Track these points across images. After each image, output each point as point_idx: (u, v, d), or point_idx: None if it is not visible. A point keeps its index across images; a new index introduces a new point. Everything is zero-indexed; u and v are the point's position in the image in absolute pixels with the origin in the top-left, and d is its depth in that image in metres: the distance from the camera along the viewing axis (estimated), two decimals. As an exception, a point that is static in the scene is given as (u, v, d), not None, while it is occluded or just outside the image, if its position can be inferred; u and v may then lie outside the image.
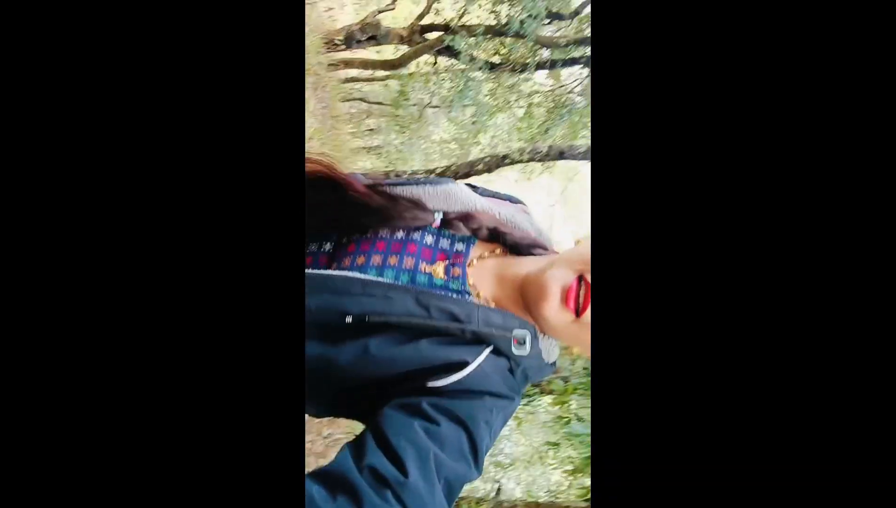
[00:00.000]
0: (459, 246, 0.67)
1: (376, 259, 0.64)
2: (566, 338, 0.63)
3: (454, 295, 0.62)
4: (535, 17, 4.32)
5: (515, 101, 5.21)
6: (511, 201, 0.76)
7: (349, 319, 0.56)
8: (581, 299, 0.57)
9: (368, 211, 0.65)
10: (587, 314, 0.57)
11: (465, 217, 0.67)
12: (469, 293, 0.63)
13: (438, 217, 0.67)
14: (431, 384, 0.56)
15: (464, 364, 0.57)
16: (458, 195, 0.68)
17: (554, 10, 4.52)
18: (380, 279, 0.60)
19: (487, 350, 0.59)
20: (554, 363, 0.68)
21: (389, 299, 0.57)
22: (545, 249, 0.70)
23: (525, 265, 0.65)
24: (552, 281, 0.59)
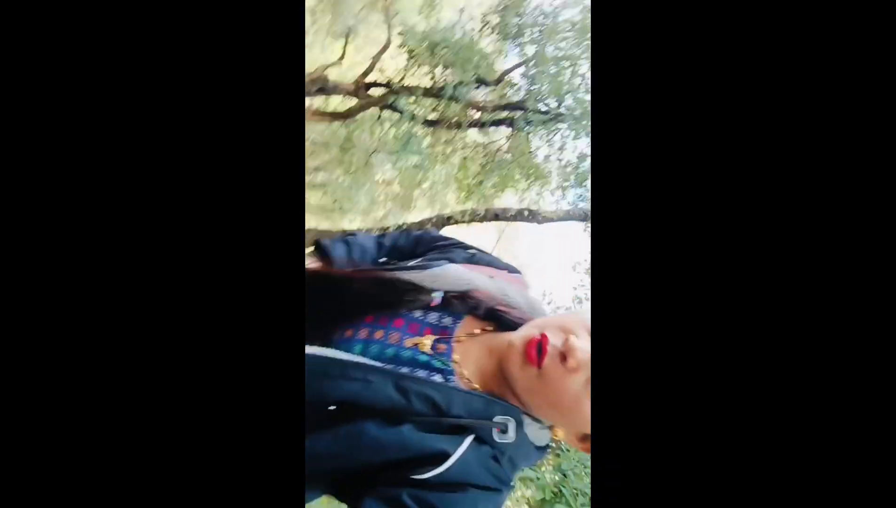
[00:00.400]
0: (446, 320, 0.67)
1: (363, 333, 0.64)
2: (532, 396, 0.60)
3: (436, 375, 0.61)
4: (465, 84, 4.96)
5: (452, 152, 5.82)
6: (509, 271, 0.75)
7: (332, 407, 0.55)
8: (541, 350, 0.57)
9: (368, 301, 0.65)
10: (547, 361, 0.56)
11: (465, 297, 0.67)
12: (452, 372, 0.62)
13: (438, 296, 0.66)
14: (414, 476, 0.54)
15: (445, 456, 0.55)
16: (456, 276, 0.66)
17: (483, 76, 5.18)
18: (360, 360, 0.59)
19: (469, 440, 0.57)
20: (546, 447, 0.65)
21: (369, 383, 0.56)
22: None
23: (506, 338, 0.64)
24: (516, 339, 0.60)
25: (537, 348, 0.57)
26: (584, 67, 4.80)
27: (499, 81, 5.30)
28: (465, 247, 0.78)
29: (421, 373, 0.61)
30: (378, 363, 0.59)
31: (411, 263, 0.69)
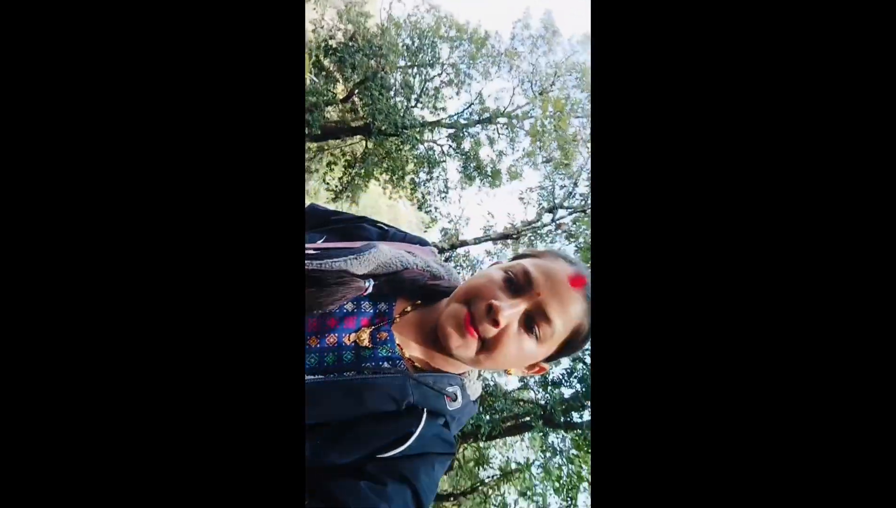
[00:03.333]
0: (382, 306, 0.66)
1: None
2: (487, 366, 0.63)
3: (385, 363, 0.61)
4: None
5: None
6: (421, 244, 0.75)
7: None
8: (476, 324, 0.59)
9: None
10: (483, 330, 0.59)
11: (397, 280, 0.65)
12: (399, 357, 0.63)
13: (370, 285, 0.63)
14: (379, 455, 0.57)
15: (406, 437, 0.58)
16: (390, 256, 0.65)
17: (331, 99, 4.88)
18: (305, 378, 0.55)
19: (424, 417, 0.60)
20: (477, 399, 0.70)
21: (317, 403, 0.54)
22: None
23: (435, 313, 0.65)
24: (447, 324, 0.61)
25: (469, 322, 0.60)
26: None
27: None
28: (372, 222, 0.75)
29: (370, 366, 0.61)
30: (319, 377, 0.58)
31: (337, 246, 0.64)
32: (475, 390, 0.69)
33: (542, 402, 4.92)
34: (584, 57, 6.30)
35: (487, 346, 0.60)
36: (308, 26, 5.33)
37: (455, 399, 0.63)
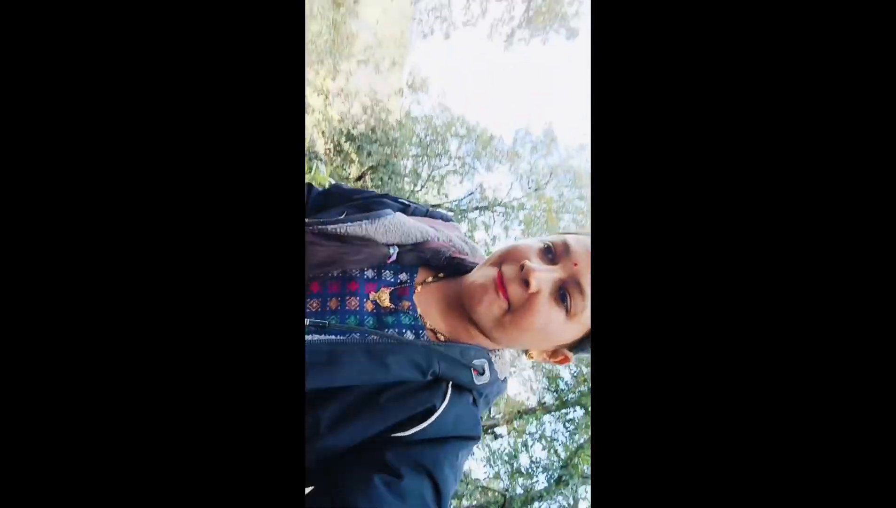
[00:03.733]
0: (404, 275, 0.65)
1: (312, 305, 0.59)
2: (510, 338, 0.60)
3: (407, 332, 0.59)
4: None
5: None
6: (444, 220, 0.73)
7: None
8: (505, 284, 0.57)
9: (321, 263, 0.59)
10: (512, 291, 0.57)
11: (422, 248, 0.64)
12: (423, 327, 0.61)
13: (394, 251, 0.63)
14: (396, 434, 0.53)
15: (430, 411, 0.54)
16: (409, 226, 0.64)
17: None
18: (318, 338, 0.53)
19: (450, 392, 0.57)
20: (506, 379, 0.65)
21: (338, 363, 0.51)
22: None
23: (460, 283, 0.63)
24: (475, 285, 0.59)
25: (500, 282, 0.57)
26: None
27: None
28: (394, 198, 0.72)
29: (393, 331, 0.60)
30: (342, 337, 0.55)
31: (356, 215, 0.62)
32: (504, 366, 0.64)
33: (507, 492, 4.98)
34: (579, 162, 7.03)
35: (514, 310, 0.57)
36: (335, 115, 6.22)
37: (482, 373, 0.59)
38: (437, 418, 0.55)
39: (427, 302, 0.64)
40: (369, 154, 6.02)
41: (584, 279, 0.58)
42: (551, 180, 7.05)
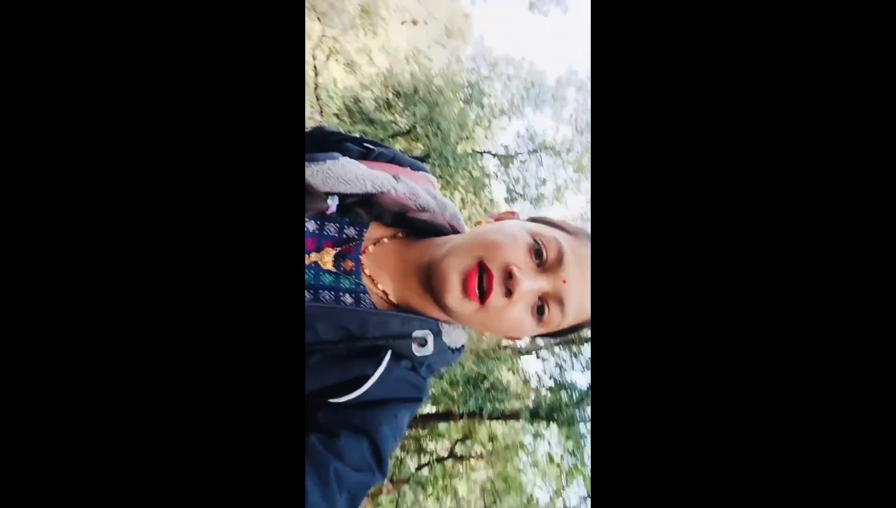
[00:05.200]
0: (350, 231, 0.59)
1: None
2: (474, 326, 0.58)
3: (346, 296, 0.56)
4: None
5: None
6: (412, 168, 0.67)
7: None
8: (485, 287, 0.53)
9: None
10: (492, 299, 0.53)
11: (367, 202, 0.58)
12: (364, 290, 0.57)
13: (333, 203, 0.57)
14: (332, 400, 0.52)
15: (363, 379, 0.53)
16: (356, 173, 0.58)
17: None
18: None
19: (387, 359, 0.54)
20: (461, 348, 0.62)
21: None
22: (454, 229, 0.63)
23: (426, 251, 0.58)
24: (451, 271, 0.53)
25: (479, 285, 0.53)
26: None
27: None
28: (360, 140, 0.67)
29: (327, 296, 0.56)
30: None
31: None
32: (456, 338, 0.61)
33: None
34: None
35: (487, 309, 0.54)
36: (380, 71, 6.39)
37: (424, 345, 0.57)
38: (372, 386, 0.54)
39: (379, 263, 0.59)
40: (415, 104, 6.21)
41: (568, 298, 0.55)
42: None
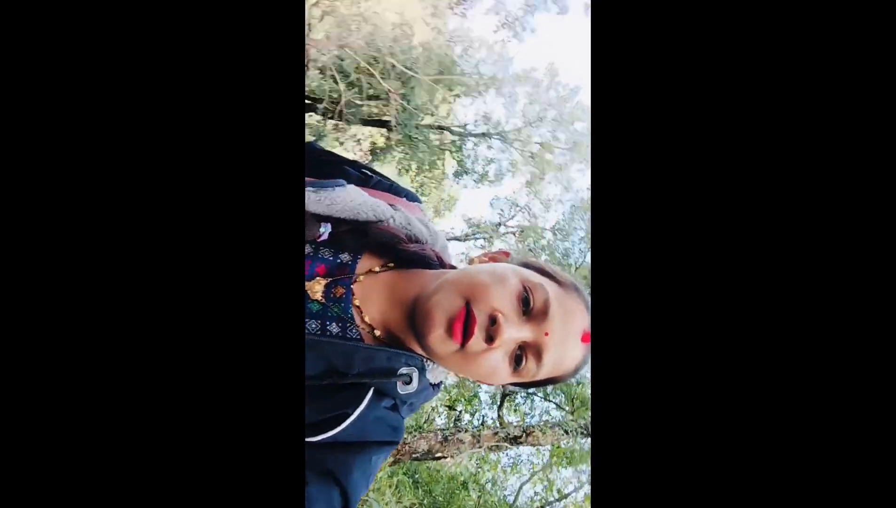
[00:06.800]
0: (345, 257, 0.59)
1: None
2: (450, 366, 0.58)
3: (333, 324, 0.55)
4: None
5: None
6: (409, 199, 0.68)
7: None
8: (467, 330, 0.53)
9: None
10: (472, 343, 0.53)
11: (359, 231, 0.59)
12: (352, 320, 0.57)
13: (325, 231, 0.57)
14: (308, 439, 0.51)
15: (342, 417, 0.52)
16: (360, 201, 0.58)
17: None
18: None
19: (368, 397, 0.54)
20: (440, 384, 0.62)
21: None
22: (441, 262, 0.63)
23: (415, 285, 0.59)
24: (437, 310, 0.54)
25: (463, 328, 0.53)
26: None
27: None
28: (357, 166, 0.68)
29: (313, 325, 0.56)
30: None
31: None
32: (437, 374, 0.61)
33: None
34: (580, 97, 7.84)
35: (465, 352, 0.54)
36: (365, 34, 6.73)
37: (409, 383, 0.56)
38: (349, 424, 0.53)
39: (369, 293, 0.59)
40: (390, 72, 6.72)
41: (547, 351, 0.56)
42: (548, 115, 7.87)
